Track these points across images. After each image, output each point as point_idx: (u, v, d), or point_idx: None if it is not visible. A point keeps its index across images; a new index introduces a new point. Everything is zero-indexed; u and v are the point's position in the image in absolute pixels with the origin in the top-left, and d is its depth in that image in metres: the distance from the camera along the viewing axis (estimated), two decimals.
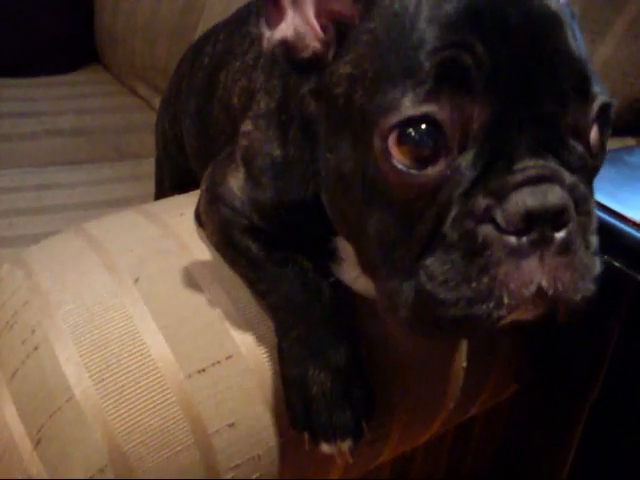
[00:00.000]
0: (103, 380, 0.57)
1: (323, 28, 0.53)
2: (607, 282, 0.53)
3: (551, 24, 0.47)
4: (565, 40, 0.47)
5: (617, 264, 0.56)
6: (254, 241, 0.65)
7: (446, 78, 0.44)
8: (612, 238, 0.56)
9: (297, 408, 0.59)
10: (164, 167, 1.16)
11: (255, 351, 0.62)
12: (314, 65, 0.53)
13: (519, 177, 0.44)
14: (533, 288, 0.44)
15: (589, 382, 0.68)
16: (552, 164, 0.45)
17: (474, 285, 0.44)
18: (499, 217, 0.44)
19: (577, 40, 0.47)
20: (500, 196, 0.44)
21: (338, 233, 0.59)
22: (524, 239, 0.44)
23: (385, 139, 0.45)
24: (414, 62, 0.45)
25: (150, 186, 1.36)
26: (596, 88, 0.47)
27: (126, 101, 2.00)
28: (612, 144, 0.92)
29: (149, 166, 1.55)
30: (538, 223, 0.44)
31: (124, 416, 0.57)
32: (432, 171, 0.45)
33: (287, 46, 0.53)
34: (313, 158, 0.57)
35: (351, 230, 0.54)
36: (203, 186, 0.71)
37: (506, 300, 0.44)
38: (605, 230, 0.56)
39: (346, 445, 0.58)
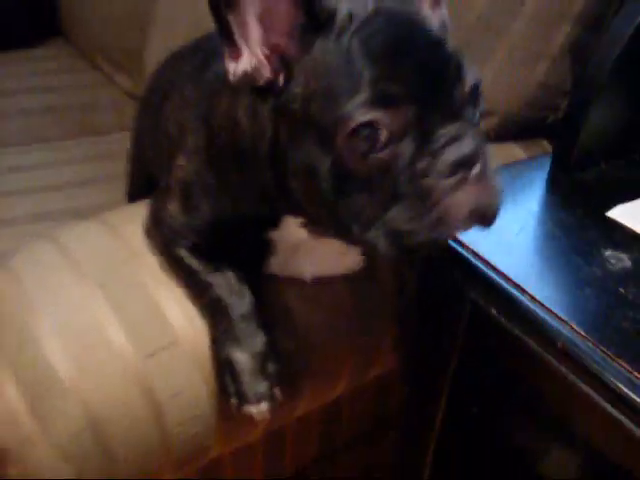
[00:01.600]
0: (79, 364, 0.77)
1: (271, 60, 0.67)
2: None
3: (436, 41, 0.65)
4: (446, 46, 0.65)
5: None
6: (190, 255, 0.83)
7: (381, 97, 0.62)
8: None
9: (226, 381, 0.79)
10: (133, 163, 1.30)
11: (195, 339, 0.82)
12: (268, 89, 0.68)
13: (441, 141, 0.62)
14: (468, 208, 0.63)
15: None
16: (459, 125, 0.63)
17: (429, 217, 0.63)
18: (436, 170, 0.62)
19: (451, 47, 0.66)
20: (433, 156, 0.62)
21: (308, 218, 0.75)
22: (454, 179, 0.62)
23: (347, 140, 0.62)
24: (356, 86, 0.62)
25: (115, 166, 1.45)
26: (469, 74, 0.65)
27: (89, 77, 2.06)
28: (499, 151, 1.13)
29: (114, 144, 1.62)
30: (461, 166, 0.62)
31: (96, 390, 0.76)
32: (384, 154, 0.63)
33: (248, 77, 0.68)
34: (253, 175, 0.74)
35: (323, 211, 0.70)
36: (148, 210, 0.88)
37: (451, 222, 0.63)
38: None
39: (264, 407, 0.78)
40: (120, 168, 1.40)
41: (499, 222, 0.81)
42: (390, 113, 0.61)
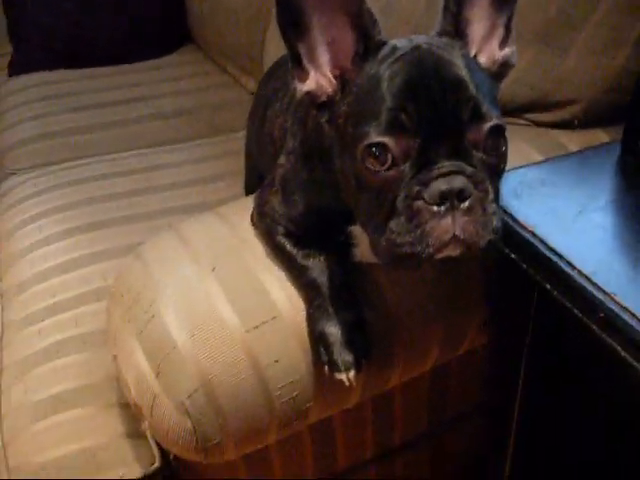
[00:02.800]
0: (194, 335, 0.91)
1: (332, 81, 0.80)
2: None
3: (456, 82, 0.73)
4: (465, 89, 0.73)
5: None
6: (288, 242, 0.95)
7: (392, 125, 0.72)
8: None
9: (320, 351, 0.91)
10: (247, 161, 1.47)
11: (293, 314, 0.94)
12: (327, 104, 0.81)
13: (436, 172, 0.72)
14: (449, 236, 0.72)
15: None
16: (459, 163, 0.73)
17: (414, 235, 0.73)
18: (426, 196, 0.72)
19: (476, 84, 0.74)
20: (426, 184, 0.72)
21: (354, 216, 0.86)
22: (441, 207, 0.72)
23: (362, 153, 0.74)
24: (378, 112, 0.73)
25: (240, 162, 1.58)
26: (489, 115, 0.73)
27: (217, 80, 2.25)
28: (585, 137, 1.18)
29: (240, 141, 1.67)
30: (449, 198, 0.72)
31: (208, 356, 0.90)
32: (387, 173, 0.74)
33: (311, 95, 0.80)
34: (332, 173, 0.86)
35: (356, 208, 0.82)
36: (254, 203, 1.02)
37: (432, 243, 0.72)
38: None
39: (351, 374, 0.89)
40: (243, 164, 1.56)
41: (559, 205, 0.88)
42: (397, 139, 0.72)
